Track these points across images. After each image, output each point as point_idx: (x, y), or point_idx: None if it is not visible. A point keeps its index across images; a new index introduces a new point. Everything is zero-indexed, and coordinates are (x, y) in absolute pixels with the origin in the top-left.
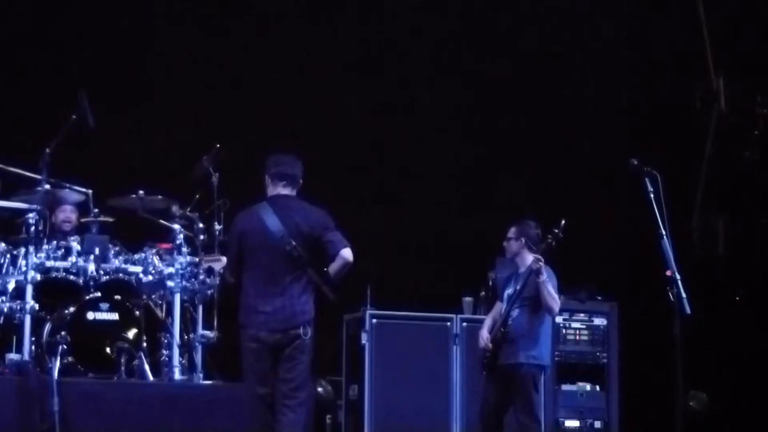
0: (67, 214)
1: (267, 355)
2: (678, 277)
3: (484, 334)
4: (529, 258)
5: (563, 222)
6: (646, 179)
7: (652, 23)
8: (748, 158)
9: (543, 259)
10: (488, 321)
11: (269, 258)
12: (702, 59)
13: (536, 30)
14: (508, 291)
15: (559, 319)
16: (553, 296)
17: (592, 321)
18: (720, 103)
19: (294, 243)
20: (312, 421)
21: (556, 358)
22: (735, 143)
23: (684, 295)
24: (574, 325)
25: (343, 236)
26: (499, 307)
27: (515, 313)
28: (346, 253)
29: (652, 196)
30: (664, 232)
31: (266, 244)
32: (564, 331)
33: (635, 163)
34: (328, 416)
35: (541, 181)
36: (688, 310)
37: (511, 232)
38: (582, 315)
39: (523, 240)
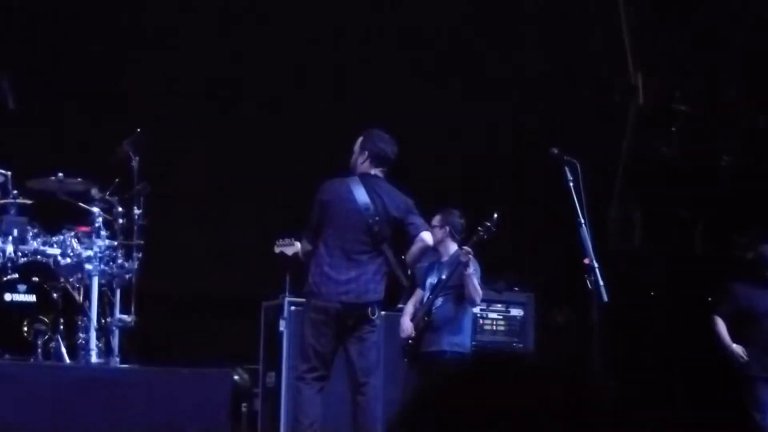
0: None
1: (329, 329)
2: (596, 265)
3: (406, 322)
4: (452, 247)
5: (495, 215)
6: (566, 168)
7: (573, 18)
8: (666, 153)
9: (472, 252)
10: (409, 308)
11: (351, 230)
12: (622, 54)
13: (455, 21)
14: (431, 279)
15: (476, 310)
16: (477, 289)
17: (509, 311)
18: (638, 97)
19: (378, 219)
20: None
21: (473, 348)
22: (653, 138)
23: (602, 283)
24: (491, 315)
25: (424, 221)
26: (420, 295)
27: (439, 301)
28: (427, 236)
29: (571, 184)
30: (582, 221)
31: (351, 216)
32: (481, 321)
33: (555, 151)
34: (244, 404)
35: (461, 171)
36: (605, 297)
37: (436, 220)
38: (499, 305)
39: (447, 228)
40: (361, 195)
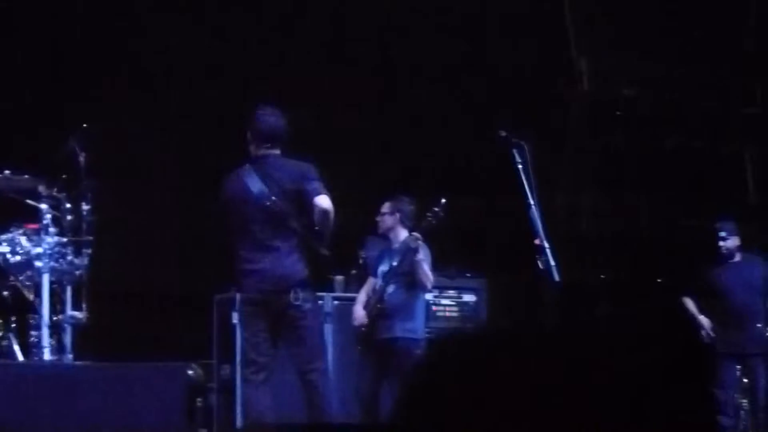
0: None
1: (258, 318)
2: (547, 245)
3: (359, 310)
4: (402, 233)
5: (443, 201)
6: (514, 150)
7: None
8: (612, 137)
9: (421, 237)
10: (362, 297)
11: (255, 220)
12: (566, 38)
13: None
14: (383, 267)
15: (429, 296)
16: (427, 275)
17: (462, 297)
18: (583, 82)
19: (275, 198)
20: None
21: (427, 334)
22: (599, 122)
23: (553, 263)
24: (444, 301)
25: (321, 185)
26: (372, 283)
27: (391, 288)
28: (320, 201)
29: (520, 166)
30: (532, 202)
31: (250, 207)
32: (434, 307)
33: (503, 134)
34: (199, 399)
35: (410, 159)
36: (556, 277)
37: (386, 207)
38: (452, 291)
39: (397, 215)
40: (254, 182)
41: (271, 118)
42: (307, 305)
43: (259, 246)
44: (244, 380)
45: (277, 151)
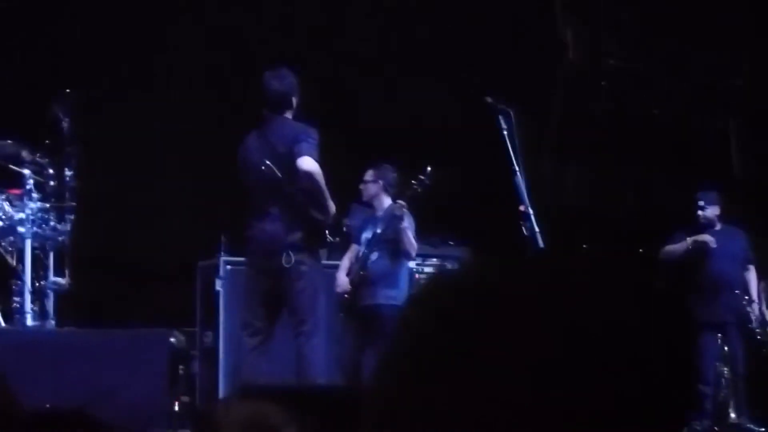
0: None
1: (256, 283)
2: (531, 212)
3: (342, 277)
4: (386, 201)
5: (429, 169)
6: (500, 116)
7: None
8: (597, 109)
9: (406, 206)
10: (345, 263)
11: (256, 185)
12: (551, 10)
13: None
14: (366, 234)
15: (411, 264)
16: (412, 243)
17: (445, 265)
18: (568, 53)
19: (269, 163)
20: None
21: None
22: (584, 94)
23: (537, 229)
24: (427, 269)
25: (309, 146)
26: (356, 250)
27: (374, 255)
28: (302, 163)
29: (505, 133)
30: (516, 169)
31: (251, 171)
32: (417, 275)
33: (489, 100)
34: (181, 366)
35: (392, 127)
36: (541, 243)
37: (369, 174)
38: (434, 260)
39: (380, 183)
40: (254, 145)
41: (274, 81)
42: (303, 267)
43: (256, 211)
44: (239, 342)
45: (285, 115)
